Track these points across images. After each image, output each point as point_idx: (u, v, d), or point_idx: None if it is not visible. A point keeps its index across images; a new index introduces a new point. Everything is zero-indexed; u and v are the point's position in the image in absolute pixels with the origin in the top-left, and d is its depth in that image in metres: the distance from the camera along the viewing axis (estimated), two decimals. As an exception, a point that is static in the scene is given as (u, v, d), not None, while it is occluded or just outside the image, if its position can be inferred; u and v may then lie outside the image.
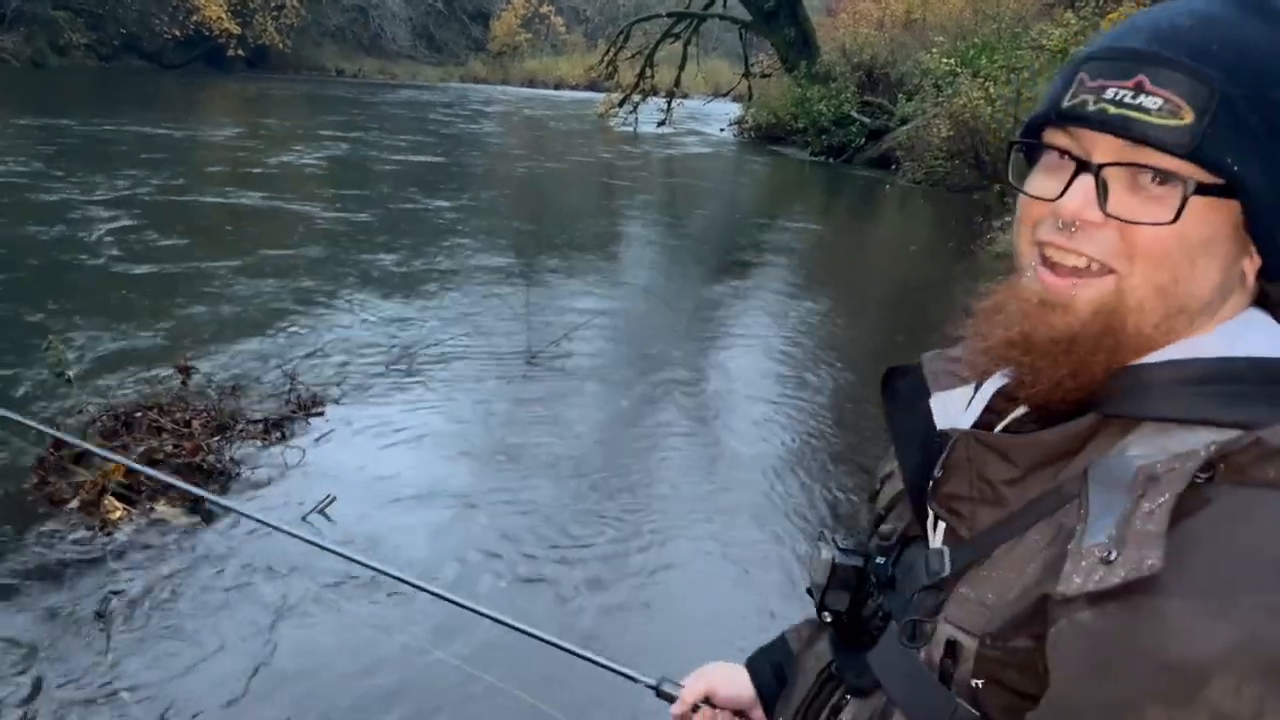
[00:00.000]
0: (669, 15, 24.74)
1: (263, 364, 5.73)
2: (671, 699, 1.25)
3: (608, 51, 25.88)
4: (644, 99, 24.69)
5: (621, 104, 24.98)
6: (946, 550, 0.80)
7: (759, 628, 3.31)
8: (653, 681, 1.28)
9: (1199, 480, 0.65)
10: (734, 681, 1.21)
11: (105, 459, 3.84)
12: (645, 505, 4.42)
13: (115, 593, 3.40)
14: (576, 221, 12.61)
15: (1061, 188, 0.75)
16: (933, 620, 0.78)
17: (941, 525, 0.83)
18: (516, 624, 1.47)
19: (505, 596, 3.63)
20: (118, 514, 3.93)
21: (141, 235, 9.14)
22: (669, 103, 24.89)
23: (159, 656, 3.12)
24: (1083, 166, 0.74)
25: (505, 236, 10.83)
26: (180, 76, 32.69)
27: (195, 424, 4.48)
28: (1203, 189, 0.71)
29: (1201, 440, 0.68)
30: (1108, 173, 0.73)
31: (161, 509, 4.03)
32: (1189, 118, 0.70)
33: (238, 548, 3.80)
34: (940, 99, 16.39)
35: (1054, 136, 0.78)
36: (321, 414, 5.10)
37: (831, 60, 22.64)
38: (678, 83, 25.11)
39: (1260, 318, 0.77)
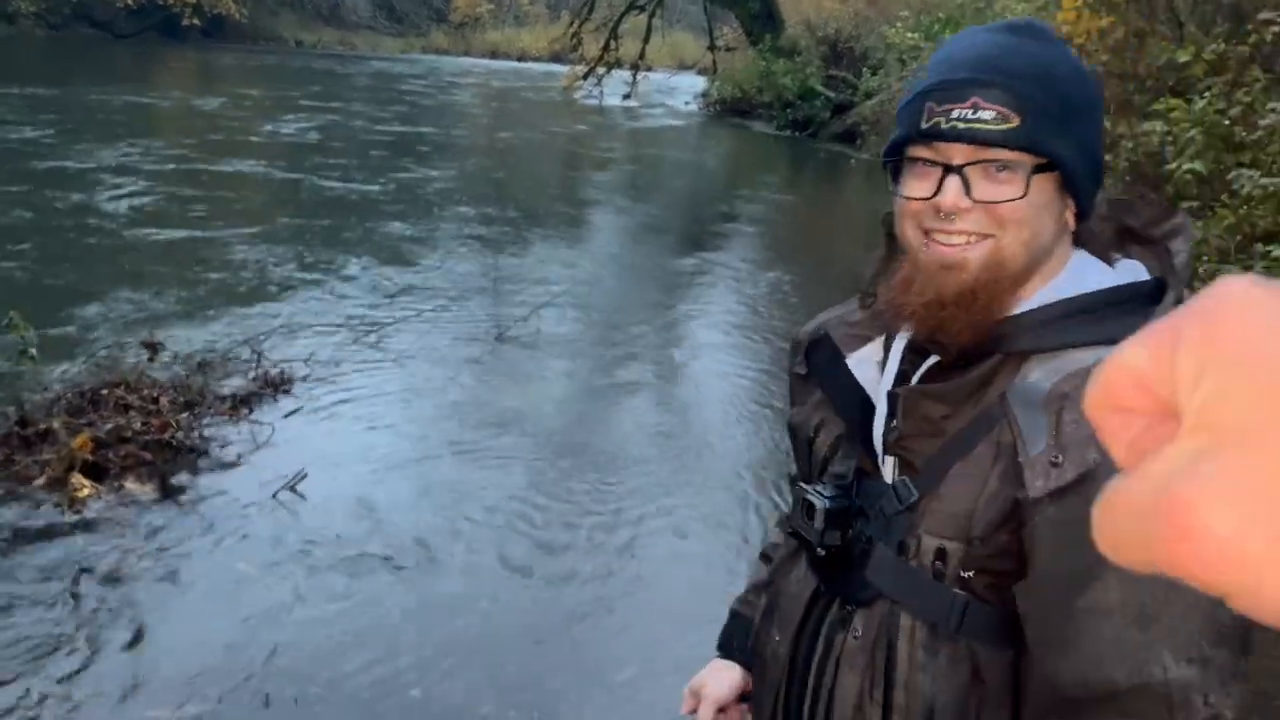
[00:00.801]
0: (633, -14, 24.54)
1: (231, 339, 5.68)
2: None
3: (572, 23, 25.62)
4: (609, 72, 24.50)
5: (586, 76, 24.78)
6: (908, 480, 1.02)
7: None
8: None
9: None
10: (731, 679, 1.33)
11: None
12: (617, 483, 4.45)
13: (86, 570, 3.39)
14: (545, 195, 12.57)
15: (934, 188, 0.99)
16: (915, 535, 0.99)
17: (890, 460, 1.05)
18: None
19: (476, 583, 3.67)
20: (86, 491, 3.92)
21: (110, 206, 8.99)
22: (634, 76, 24.72)
23: (133, 632, 3.13)
24: (948, 170, 0.98)
25: (473, 210, 10.77)
26: (134, 46, 31.93)
27: (163, 400, 4.46)
28: (1037, 168, 0.96)
29: (1083, 359, 0.91)
30: (968, 170, 0.97)
31: (130, 485, 4.02)
32: (1016, 121, 0.95)
33: (209, 523, 3.80)
34: (904, 73, 16.44)
35: (918, 151, 1.01)
36: (290, 390, 5.08)
37: (796, 34, 22.59)
38: (642, 55, 24.91)
39: (1085, 256, 1.03)
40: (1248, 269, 5.15)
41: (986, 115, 0.95)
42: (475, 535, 3.90)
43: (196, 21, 37.15)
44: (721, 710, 1.32)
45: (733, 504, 4.32)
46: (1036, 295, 1.00)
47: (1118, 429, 0.29)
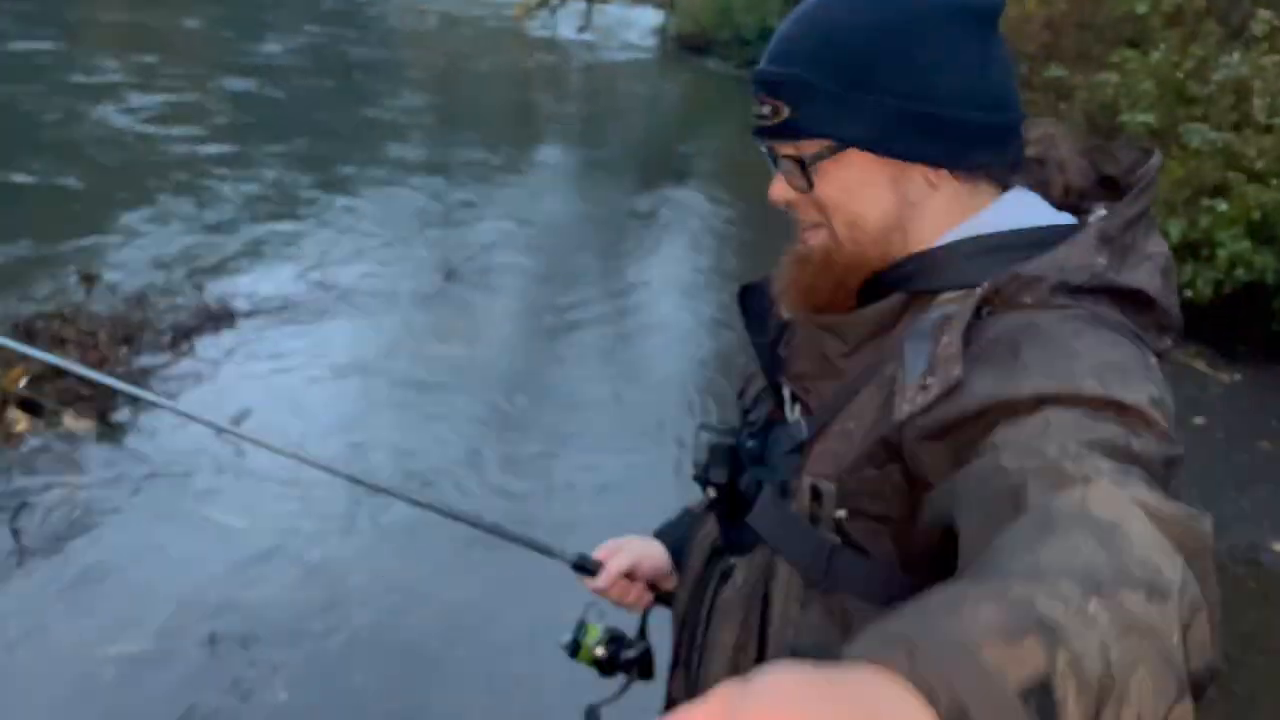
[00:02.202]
0: (590, -85, 23.94)
1: (169, 272, 5.53)
2: (591, 572, 1.31)
3: (526, -49, 24.98)
4: (563, 3, 23.99)
5: (539, 7, 24.24)
6: (803, 420, 0.96)
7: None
8: (571, 558, 1.32)
9: (985, 312, 0.83)
10: (652, 554, 1.31)
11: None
12: (567, 424, 4.43)
13: (26, 505, 3.32)
14: (497, 131, 12.33)
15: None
16: (798, 478, 0.92)
17: (797, 406, 0.98)
18: (433, 504, 1.54)
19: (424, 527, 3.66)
20: (22, 425, 3.82)
21: (39, 135, 8.63)
22: (589, 7, 24.23)
23: (76, 567, 3.08)
24: (773, 163, 0.96)
25: (424, 145, 10.55)
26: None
27: (101, 334, 4.33)
28: (828, 151, 0.91)
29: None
30: (783, 163, 0.94)
31: (68, 421, 3.92)
32: (786, 113, 0.92)
33: (150, 460, 3.74)
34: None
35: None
36: (233, 325, 4.97)
37: (756, -32, 22.29)
38: (598, -13, 24.45)
39: (1018, 197, 0.95)
40: (1193, 223, 5.24)
41: (765, 110, 0.93)
42: (424, 476, 3.87)
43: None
44: (629, 576, 1.29)
45: (681, 446, 4.33)
46: (944, 235, 0.93)
47: None
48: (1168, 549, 0.57)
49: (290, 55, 15.10)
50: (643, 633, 1.32)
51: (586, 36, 24.13)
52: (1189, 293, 5.22)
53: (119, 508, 3.43)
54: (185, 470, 3.69)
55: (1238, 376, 5.12)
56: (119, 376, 4.14)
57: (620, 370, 5.15)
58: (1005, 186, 0.96)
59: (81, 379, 4.08)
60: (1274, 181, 5.04)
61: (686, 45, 23.65)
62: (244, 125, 10.22)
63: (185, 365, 4.45)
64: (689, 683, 1.08)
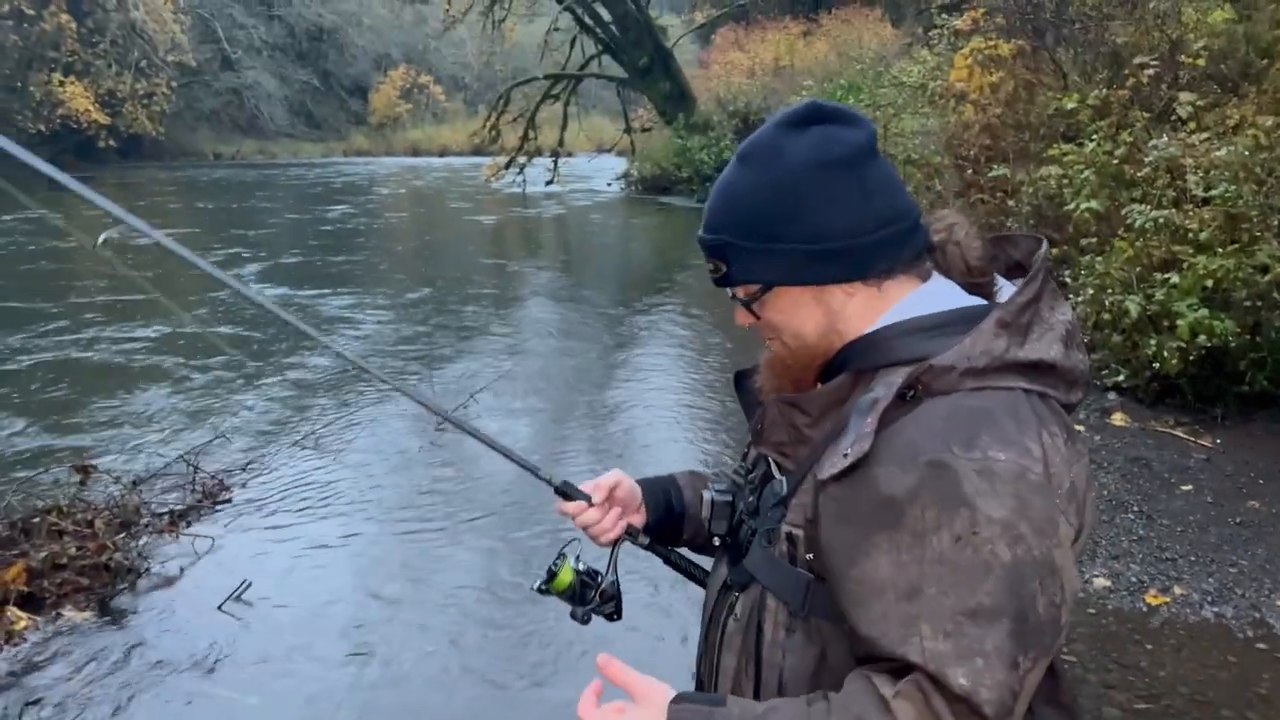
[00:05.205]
0: (546, 78, 25.08)
1: (164, 455, 5.60)
2: (571, 498, 1.47)
3: (489, 116, 26.03)
4: (529, 160, 24.90)
5: (508, 166, 25.15)
6: (784, 479, 1.17)
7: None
8: (557, 483, 1.49)
9: (910, 396, 1.03)
10: (630, 483, 1.49)
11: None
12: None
13: (32, 703, 3.30)
14: (476, 282, 12.65)
15: None
16: (779, 526, 1.14)
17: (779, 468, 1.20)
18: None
19: (435, 682, 3.64)
20: (23, 624, 3.82)
21: (17, 326, 8.84)
22: (555, 162, 25.15)
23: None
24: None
25: (403, 303, 10.80)
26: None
27: (98, 523, 4.37)
28: (760, 291, 1.16)
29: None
30: (735, 302, 1.20)
31: (69, 613, 3.93)
32: (723, 268, 1.17)
33: (153, 643, 3.73)
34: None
35: None
36: (229, 500, 5.03)
37: (708, 110, 23.26)
38: (561, 142, 25.40)
39: (933, 287, 1.14)
40: (1150, 297, 5.41)
41: (710, 267, 1.19)
42: (429, 633, 3.86)
43: (113, 143, 37.01)
44: (612, 494, 1.45)
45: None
46: (876, 323, 1.13)
47: None
48: None
49: (337, 223, 15.63)
50: (612, 568, 1.47)
51: (555, 188, 24.99)
52: (1157, 365, 5.34)
53: (127, 696, 3.40)
54: (189, 649, 3.68)
55: (1218, 440, 5.19)
56: (119, 563, 4.19)
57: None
58: (925, 276, 1.15)
59: (81, 570, 4.12)
60: (1219, 250, 5.22)
61: (649, 187, 24.50)
62: (207, 304, 10.47)
63: (185, 544, 4.48)
64: None
